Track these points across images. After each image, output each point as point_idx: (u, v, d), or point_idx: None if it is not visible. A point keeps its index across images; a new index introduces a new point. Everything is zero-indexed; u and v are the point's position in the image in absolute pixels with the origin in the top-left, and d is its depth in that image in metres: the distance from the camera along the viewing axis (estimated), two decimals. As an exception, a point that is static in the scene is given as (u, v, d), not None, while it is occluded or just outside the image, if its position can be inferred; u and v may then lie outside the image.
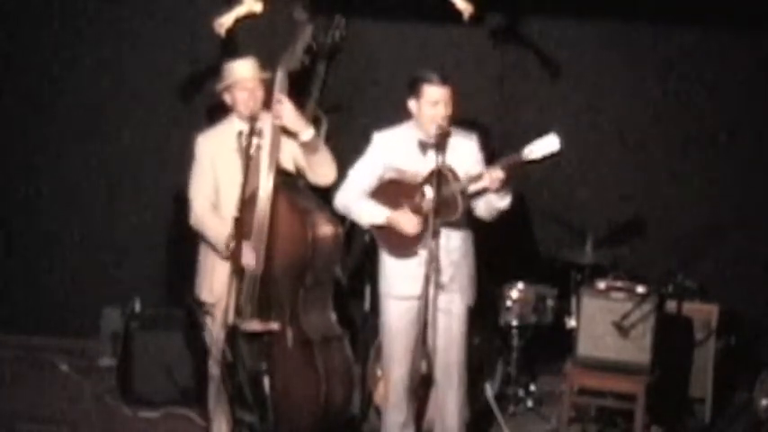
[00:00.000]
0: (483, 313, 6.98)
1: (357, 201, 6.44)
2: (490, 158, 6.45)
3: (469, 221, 6.45)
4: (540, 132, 6.22)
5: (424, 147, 6.32)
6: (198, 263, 6.77)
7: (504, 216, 6.45)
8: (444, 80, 6.29)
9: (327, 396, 6.46)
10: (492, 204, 6.30)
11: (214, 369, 6.60)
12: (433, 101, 6.29)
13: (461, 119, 6.48)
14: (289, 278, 6.51)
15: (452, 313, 6.40)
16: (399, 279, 6.38)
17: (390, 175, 6.40)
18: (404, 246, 6.36)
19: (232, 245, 6.37)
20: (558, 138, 6.14)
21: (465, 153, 6.34)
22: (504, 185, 6.22)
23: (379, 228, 6.43)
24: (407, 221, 6.32)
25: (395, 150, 6.41)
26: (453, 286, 6.38)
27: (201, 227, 6.64)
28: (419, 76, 6.32)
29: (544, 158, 6.17)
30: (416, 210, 6.32)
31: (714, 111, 8.02)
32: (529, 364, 7.77)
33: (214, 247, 6.59)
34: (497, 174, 6.17)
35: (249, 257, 6.49)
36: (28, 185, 8.65)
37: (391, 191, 6.37)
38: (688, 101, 8.05)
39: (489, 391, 7.32)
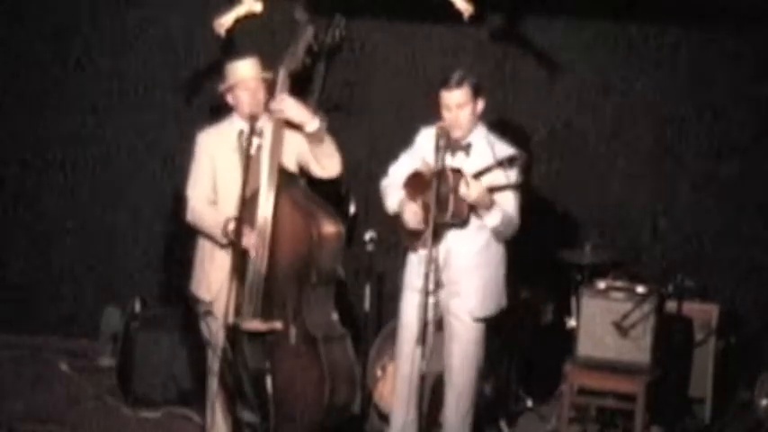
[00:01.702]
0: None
1: (391, 189, 6.50)
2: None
3: None
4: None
5: (452, 148, 6.33)
6: (195, 259, 6.72)
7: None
8: (458, 84, 6.28)
9: (332, 394, 6.45)
10: (483, 218, 6.32)
11: (214, 368, 6.58)
12: (444, 105, 6.32)
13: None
14: (293, 277, 6.50)
15: (457, 317, 6.42)
16: (414, 273, 6.41)
17: (421, 166, 6.42)
18: (414, 241, 6.39)
19: (231, 226, 6.36)
20: (523, 153, 6.18)
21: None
22: (483, 200, 6.21)
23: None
24: (409, 214, 6.36)
25: (430, 146, 6.39)
26: (460, 291, 6.39)
27: (198, 220, 6.59)
28: (440, 81, 6.35)
29: (506, 162, 6.17)
30: (426, 205, 6.34)
31: (714, 110, 8.02)
32: (529, 364, 7.77)
33: (213, 240, 6.55)
34: (471, 183, 6.15)
35: (251, 241, 6.43)
36: (27, 185, 8.65)
37: (418, 183, 6.40)
38: (688, 100, 8.05)
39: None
